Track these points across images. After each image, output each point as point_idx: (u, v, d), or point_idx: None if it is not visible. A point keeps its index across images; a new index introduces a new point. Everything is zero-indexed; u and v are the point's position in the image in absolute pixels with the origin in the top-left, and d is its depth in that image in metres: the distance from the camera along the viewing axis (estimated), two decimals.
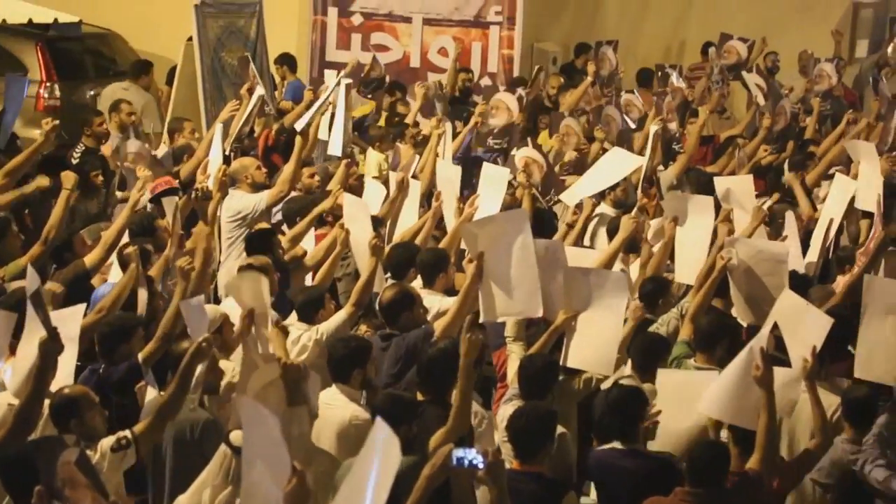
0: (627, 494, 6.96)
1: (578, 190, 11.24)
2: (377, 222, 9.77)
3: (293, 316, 8.57)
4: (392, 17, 16.03)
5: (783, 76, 17.93)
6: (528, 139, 12.75)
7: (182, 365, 6.87)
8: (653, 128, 12.60)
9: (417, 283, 8.99)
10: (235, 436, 6.66)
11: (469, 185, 11.08)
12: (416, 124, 13.42)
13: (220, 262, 10.25)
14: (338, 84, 12.33)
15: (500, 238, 8.15)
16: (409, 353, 8.05)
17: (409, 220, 10.41)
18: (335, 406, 7.37)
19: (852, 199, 10.82)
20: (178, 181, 10.86)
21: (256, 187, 10.60)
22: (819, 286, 9.64)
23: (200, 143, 11.84)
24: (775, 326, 7.58)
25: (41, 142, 10.51)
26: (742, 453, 6.93)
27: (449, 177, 10.49)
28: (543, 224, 10.81)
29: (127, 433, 6.70)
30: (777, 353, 7.56)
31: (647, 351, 7.93)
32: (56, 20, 16.21)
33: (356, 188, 11.09)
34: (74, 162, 11.92)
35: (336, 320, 8.34)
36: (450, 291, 8.95)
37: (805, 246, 10.28)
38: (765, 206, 10.54)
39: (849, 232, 11.37)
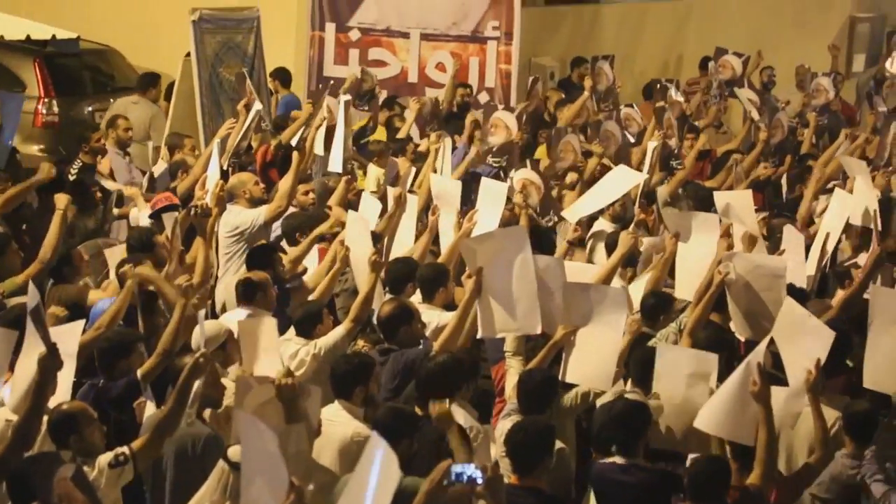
0: None
1: (581, 207, 11.25)
2: (375, 238, 9.77)
3: (291, 331, 8.57)
4: (390, 33, 16.05)
5: (780, 91, 17.96)
6: (528, 160, 12.75)
7: (180, 381, 6.86)
8: (651, 143, 12.62)
9: (416, 298, 8.99)
10: (233, 451, 6.66)
11: (468, 201, 11.08)
12: (411, 139, 13.43)
13: (217, 277, 10.25)
14: (338, 101, 12.38)
15: (500, 254, 8.16)
16: (408, 369, 8.06)
17: (406, 235, 10.41)
18: (337, 423, 7.36)
19: None
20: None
21: (254, 202, 10.61)
22: (816, 300, 9.65)
23: (198, 160, 11.82)
24: (772, 342, 7.58)
25: (39, 178, 10.50)
26: (742, 468, 6.93)
27: (447, 191, 10.49)
28: (542, 242, 10.80)
29: (125, 449, 6.69)
30: (774, 371, 7.56)
31: (646, 364, 7.92)
32: (54, 36, 16.22)
33: (355, 203, 11.09)
34: (72, 178, 11.92)
35: (334, 335, 8.34)
36: (449, 306, 8.95)
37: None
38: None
39: (848, 246, 11.37)
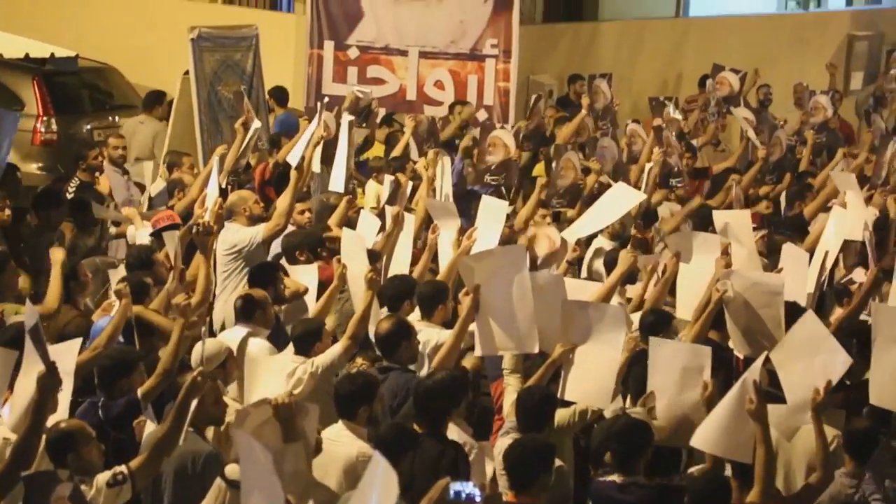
0: None
1: (580, 228, 11.24)
2: (373, 256, 9.77)
3: (290, 348, 8.57)
4: (388, 51, 16.06)
5: (779, 109, 17.98)
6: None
7: (178, 399, 6.85)
8: (648, 165, 12.63)
9: (414, 316, 8.98)
10: (231, 469, 6.65)
11: (467, 218, 11.07)
12: (409, 156, 13.44)
13: (215, 294, 10.24)
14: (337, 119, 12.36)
15: (498, 272, 8.17)
16: (409, 388, 8.03)
17: (403, 253, 10.41)
18: (341, 443, 7.36)
19: None
20: None
21: (254, 220, 10.60)
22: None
23: (195, 180, 11.79)
24: (767, 361, 7.57)
25: None
26: (742, 486, 6.92)
27: (444, 212, 10.49)
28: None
29: (123, 468, 6.68)
30: (770, 388, 7.56)
31: (645, 381, 7.91)
32: (52, 54, 16.24)
33: (355, 221, 11.08)
34: (69, 196, 11.92)
35: (331, 353, 8.33)
36: (448, 324, 8.94)
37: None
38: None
39: (845, 265, 11.38)
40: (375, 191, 12.59)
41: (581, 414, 8.00)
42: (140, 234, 10.98)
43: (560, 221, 12.31)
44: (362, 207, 11.89)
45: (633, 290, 9.88)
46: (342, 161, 12.10)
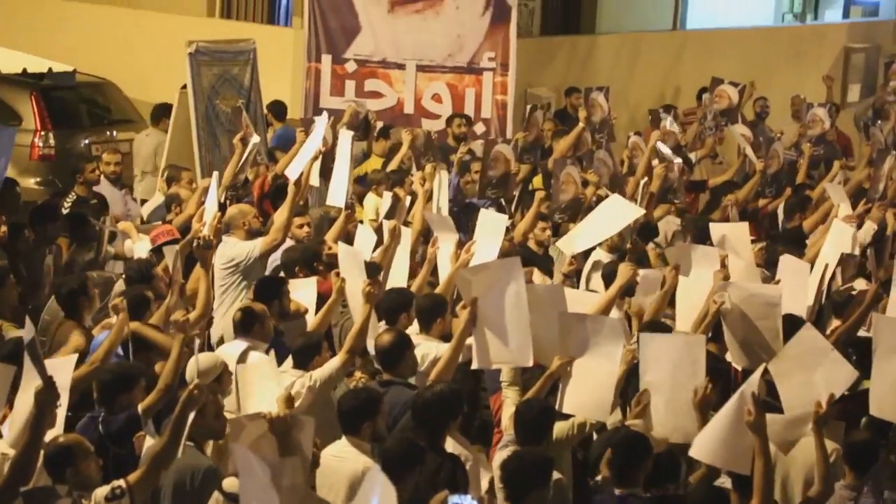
0: None
1: (577, 241, 11.25)
2: (374, 268, 9.77)
3: (288, 362, 8.56)
4: (386, 64, 16.07)
5: (776, 121, 17.99)
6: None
7: (175, 413, 6.85)
8: (644, 180, 12.64)
9: (412, 329, 8.98)
10: (229, 483, 6.65)
11: (464, 232, 11.08)
12: (400, 168, 13.44)
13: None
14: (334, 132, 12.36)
15: (494, 285, 8.17)
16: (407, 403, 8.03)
17: (401, 266, 10.41)
18: (346, 459, 7.37)
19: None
20: None
21: (252, 234, 10.60)
22: None
23: (192, 197, 11.77)
24: (766, 372, 7.57)
25: None
26: (742, 497, 6.92)
27: (443, 225, 10.49)
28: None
29: (121, 482, 6.68)
30: (768, 399, 7.56)
31: None
32: (50, 69, 16.25)
33: (353, 235, 11.08)
34: (65, 211, 11.93)
35: (330, 367, 8.33)
36: (446, 337, 8.94)
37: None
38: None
39: (843, 277, 11.39)
40: (374, 204, 12.60)
41: (580, 426, 7.99)
42: (138, 246, 10.98)
43: (560, 235, 12.31)
44: (361, 221, 11.90)
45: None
46: (342, 175, 12.09)
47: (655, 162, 13.34)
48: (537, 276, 10.40)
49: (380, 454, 7.11)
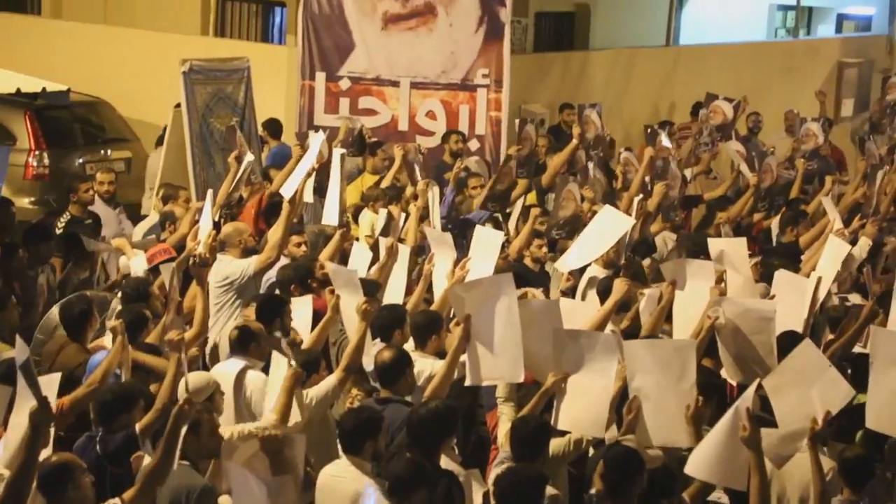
0: None
1: (573, 258, 11.26)
2: (372, 285, 9.76)
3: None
4: (380, 81, 16.08)
5: (769, 136, 18.02)
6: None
7: (167, 429, 6.85)
8: (638, 197, 12.65)
9: (407, 346, 8.97)
10: (223, 501, 6.64)
11: (460, 248, 11.07)
12: (395, 184, 13.44)
13: None
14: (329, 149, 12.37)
15: (486, 301, 8.17)
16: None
17: (397, 284, 10.40)
18: (346, 479, 7.36)
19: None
20: None
21: (247, 252, 10.59)
22: None
23: (184, 217, 11.74)
24: (760, 387, 7.57)
25: None
26: None
27: (441, 242, 10.49)
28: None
29: (116, 501, 6.67)
30: (762, 413, 7.55)
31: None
32: (44, 89, 16.24)
33: (349, 252, 11.08)
34: (59, 231, 11.91)
35: (326, 385, 8.32)
36: (441, 354, 8.93)
37: None
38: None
39: (839, 291, 11.40)
40: (370, 220, 12.60)
41: (576, 443, 7.99)
42: (134, 262, 10.98)
43: (557, 251, 12.31)
44: (356, 238, 11.90)
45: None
46: (335, 194, 12.09)
47: (658, 183, 13.37)
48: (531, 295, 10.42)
49: (386, 476, 7.09)
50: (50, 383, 7.30)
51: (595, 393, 7.94)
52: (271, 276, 10.65)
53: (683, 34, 23.86)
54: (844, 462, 7.52)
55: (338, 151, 12.54)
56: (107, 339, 8.99)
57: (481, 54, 15.91)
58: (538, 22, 21.07)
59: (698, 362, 8.42)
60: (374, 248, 11.11)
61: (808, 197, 15.07)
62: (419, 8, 15.91)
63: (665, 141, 14.61)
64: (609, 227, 11.33)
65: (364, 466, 7.42)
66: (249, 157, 12.81)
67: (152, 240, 11.86)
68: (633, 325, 9.81)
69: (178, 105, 14.37)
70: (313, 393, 8.25)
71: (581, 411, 7.97)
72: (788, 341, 8.55)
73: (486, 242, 10.41)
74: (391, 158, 14.17)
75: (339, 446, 7.62)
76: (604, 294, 9.94)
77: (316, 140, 12.37)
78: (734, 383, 8.85)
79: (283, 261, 10.77)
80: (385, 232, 11.81)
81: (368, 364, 8.72)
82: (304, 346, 9.16)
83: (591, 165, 14.09)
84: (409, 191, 12.98)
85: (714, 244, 10.63)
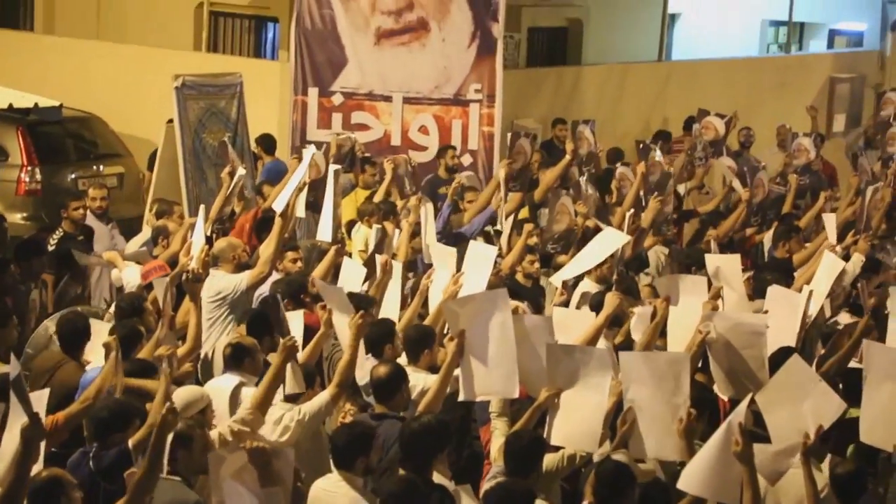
0: None
1: (566, 272, 11.27)
2: (365, 301, 9.75)
3: (279, 394, 8.51)
4: (372, 97, 16.10)
5: (762, 152, 18.04)
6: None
7: (152, 438, 6.84)
8: (629, 214, 12.66)
9: (400, 361, 8.96)
10: None
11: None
12: (388, 199, 13.45)
13: None
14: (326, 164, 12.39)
15: (480, 316, 8.16)
16: None
17: (393, 299, 10.40)
18: (338, 494, 7.35)
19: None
20: None
21: (240, 267, 10.59)
22: None
23: (176, 234, 11.72)
24: (752, 402, 7.56)
25: None
26: None
27: (446, 257, 10.49)
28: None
29: None
30: (755, 428, 7.55)
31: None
32: (36, 104, 16.24)
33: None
34: (51, 248, 11.90)
35: (319, 401, 8.29)
36: (433, 368, 8.93)
37: None
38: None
39: (831, 307, 11.41)
40: (364, 235, 12.60)
41: (569, 458, 7.98)
42: (126, 273, 10.97)
43: (551, 266, 12.31)
44: (349, 254, 11.90)
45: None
46: (330, 210, 12.09)
47: (652, 199, 13.38)
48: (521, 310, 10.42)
49: (382, 493, 7.08)
50: (41, 399, 7.29)
51: (589, 408, 7.93)
52: (263, 290, 10.64)
53: (676, 49, 23.93)
54: (837, 478, 7.52)
55: (333, 167, 12.56)
56: (99, 356, 8.97)
57: (474, 69, 15.94)
58: (531, 37, 21.10)
59: (692, 376, 8.45)
60: (368, 263, 11.10)
61: (800, 212, 15.09)
62: (412, 23, 15.93)
63: (658, 156, 14.62)
64: (604, 243, 11.36)
65: (355, 482, 7.41)
66: (241, 171, 12.82)
67: (143, 252, 11.86)
68: (627, 340, 9.80)
69: (171, 120, 14.37)
70: (306, 408, 8.23)
71: (574, 427, 7.96)
72: (783, 357, 8.56)
73: (480, 257, 10.41)
74: (382, 173, 14.18)
75: (331, 461, 7.61)
76: (597, 309, 9.92)
77: (307, 154, 12.38)
78: (725, 398, 8.84)
79: (276, 276, 10.76)
80: (379, 247, 11.81)
81: (361, 378, 8.71)
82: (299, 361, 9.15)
83: (583, 181, 14.08)
84: (399, 204, 12.98)
85: (711, 260, 10.65)
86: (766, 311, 9.88)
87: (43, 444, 7.13)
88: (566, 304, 11.18)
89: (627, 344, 9.68)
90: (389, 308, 10.30)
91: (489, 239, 12.77)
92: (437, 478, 7.52)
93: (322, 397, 8.31)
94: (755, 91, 21.33)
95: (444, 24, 15.90)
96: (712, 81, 20.83)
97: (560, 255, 12.56)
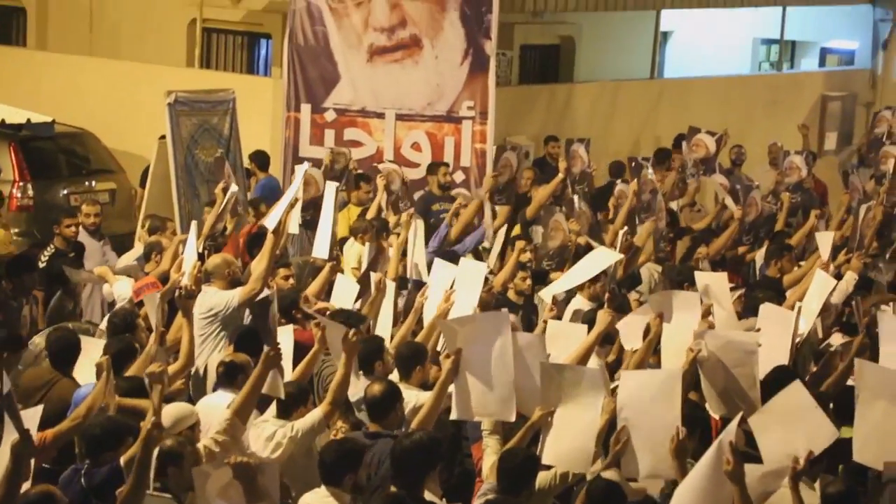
0: None
1: (555, 287, 11.28)
2: (360, 318, 9.74)
3: (271, 410, 8.51)
4: (365, 113, 16.11)
5: (753, 169, 18.07)
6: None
7: (138, 454, 6.84)
8: (622, 230, 12.69)
9: (392, 378, 8.95)
10: None
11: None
12: (379, 215, 13.46)
13: None
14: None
15: (480, 338, 8.16)
16: None
17: (386, 317, 10.40)
18: None
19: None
20: None
21: (233, 283, 10.58)
22: None
23: (167, 251, 11.69)
24: (743, 421, 7.56)
25: None
26: None
27: (444, 275, 10.49)
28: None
29: None
30: (747, 448, 7.55)
31: None
32: (29, 120, 16.23)
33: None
34: (42, 264, 11.89)
35: (311, 418, 8.29)
36: (425, 385, 8.92)
37: None
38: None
39: (823, 327, 11.42)
40: (357, 252, 12.60)
41: (562, 476, 7.97)
42: (117, 286, 10.96)
43: (547, 282, 12.31)
44: (341, 270, 11.89)
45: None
46: (326, 227, 12.08)
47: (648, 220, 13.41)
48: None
49: None
50: (34, 417, 7.28)
51: (581, 427, 7.93)
52: None
53: (668, 67, 23.95)
54: (827, 498, 7.51)
55: (331, 184, 12.57)
56: (89, 374, 8.95)
57: (466, 86, 15.95)
58: (523, 54, 21.12)
59: (685, 394, 8.45)
60: (362, 280, 11.10)
61: (791, 230, 15.11)
62: (405, 40, 15.95)
63: (650, 173, 14.65)
64: (596, 261, 11.37)
65: (343, 498, 7.41)
66: (234, 187, 12.82)
67: (134, 266, 11.85)
68: (619, 357, 9.80)
69: (163, 136, 14.37)
70: (299, 425, 8.23)
71: (567, 446, 7.95)
72: (778, 375, 8.56)
73: (470, 274, 10.41)
74: (376, 190, 14.19)
75: (319, 476, 7.60)
76: (588, 326, 9.93)
77: (300, 171, 12.38)
78: (717, 417, 8.84)
79: (267, 292, 10.74)
80: (373, 265, 11.81)
81: (353, 395, 8.70)
82: (290, 379, 9.13)
83: (576, 199, 14.11)
84: (392, 219, 12.99)
85: (700, 278, 10.66)
86: (758, 329, 9.89)
87: (32, 461, 7.13)
88: (557, 319, 11.18)
89: (619, 362, 9.69)
90: (383, 325, 10.30)
91: (478, 255, 12.78)
92: (429, 496, 7.51)
93: (315, 414, 8.31)
94: (747, 109, 21.37)
95: (437, 41, 15.92)
96: (704, 99, 20.87)
97: (555, 272, 12.56)
